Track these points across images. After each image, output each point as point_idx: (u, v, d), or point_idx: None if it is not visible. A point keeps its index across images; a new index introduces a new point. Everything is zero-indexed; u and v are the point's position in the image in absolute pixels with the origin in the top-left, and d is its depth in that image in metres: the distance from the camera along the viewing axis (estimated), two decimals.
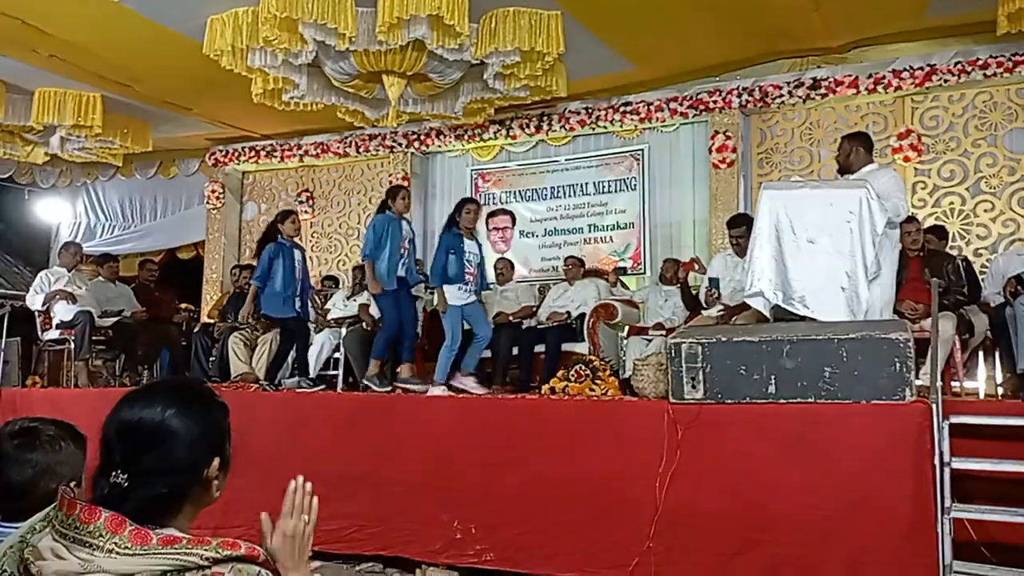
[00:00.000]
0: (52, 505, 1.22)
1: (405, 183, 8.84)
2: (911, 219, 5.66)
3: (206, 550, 1.15)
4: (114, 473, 1.22)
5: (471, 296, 6.05)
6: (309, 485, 1.44)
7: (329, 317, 7.43)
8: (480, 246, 6.26)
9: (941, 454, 3.47)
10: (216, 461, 1.30)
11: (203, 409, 1.32)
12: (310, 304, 7.08)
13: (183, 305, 8.22)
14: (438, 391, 5.70)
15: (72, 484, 1.65)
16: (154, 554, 1.13)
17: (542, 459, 4.32)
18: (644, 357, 5.32)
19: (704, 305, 5.76)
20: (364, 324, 7.07)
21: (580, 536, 4.13)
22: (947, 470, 3.48)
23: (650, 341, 6.31)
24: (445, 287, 5.88)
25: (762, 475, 3.75)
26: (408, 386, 5.82)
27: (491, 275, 7.99)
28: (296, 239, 6.46)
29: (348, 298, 7.54)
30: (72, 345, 6.98)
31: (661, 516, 3.93)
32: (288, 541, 1.36)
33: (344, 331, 7.07)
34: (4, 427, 1.78)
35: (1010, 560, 3.56)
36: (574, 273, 7.22)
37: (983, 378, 5.45)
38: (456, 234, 5.99)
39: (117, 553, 1.13)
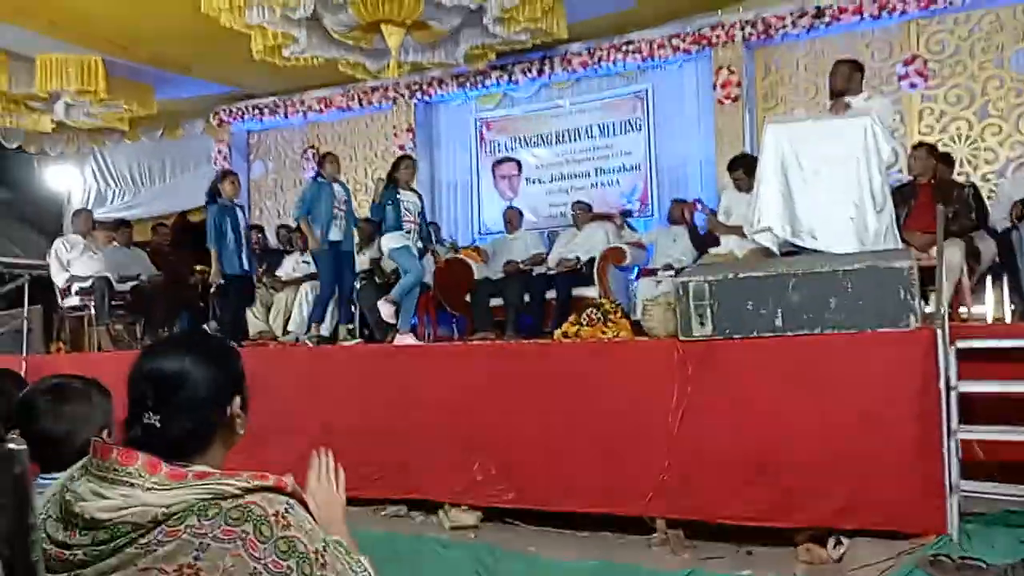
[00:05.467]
0: (87, 456, 1.31)
1: (410, 135, 8.87)
2: (919, 145, 5.64)
3: (238, 481, 1.25)
4: (146, 415, 1.31)
5: (415, 242, 6.21)
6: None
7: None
8: (420, 196, 6.41)
9: (948, 378, 3.54)
10: (237, 399, 1.40)
11: (218, 353, 1.44)
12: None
13: (198, 268, 8.30)
14: (408, 340, 5.86)
15: (104, 432, 1.75)
16: (191, 486, 1.23)
17: (558, 401, 4.41)
18: (654, 298, 5.37)
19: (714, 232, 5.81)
20: (377, 278, 7.15)
21: (597, 473, 4.22)
22: (953, 393, 3.55)
23: (660, 282, 6.35)
24: (387, 235, 6.07)
25: (771, 406, 3.83)
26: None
27: (499, 224, 8.04)
28: (235, 199, 6.65)
29: (359, 251, 7.60)
30: (92, 311, 7.10)
31: (674, 449, 4.03)
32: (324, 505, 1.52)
33: (358, 284, 7.15)
34: (35, 385, 1.89)
35: (1020, 478, 3.66)
36: (582, 218, 7.25)
37: (991, 303, 5.47)
38: (393, 188, 6.14)
39: (156, 490, 1.22)
